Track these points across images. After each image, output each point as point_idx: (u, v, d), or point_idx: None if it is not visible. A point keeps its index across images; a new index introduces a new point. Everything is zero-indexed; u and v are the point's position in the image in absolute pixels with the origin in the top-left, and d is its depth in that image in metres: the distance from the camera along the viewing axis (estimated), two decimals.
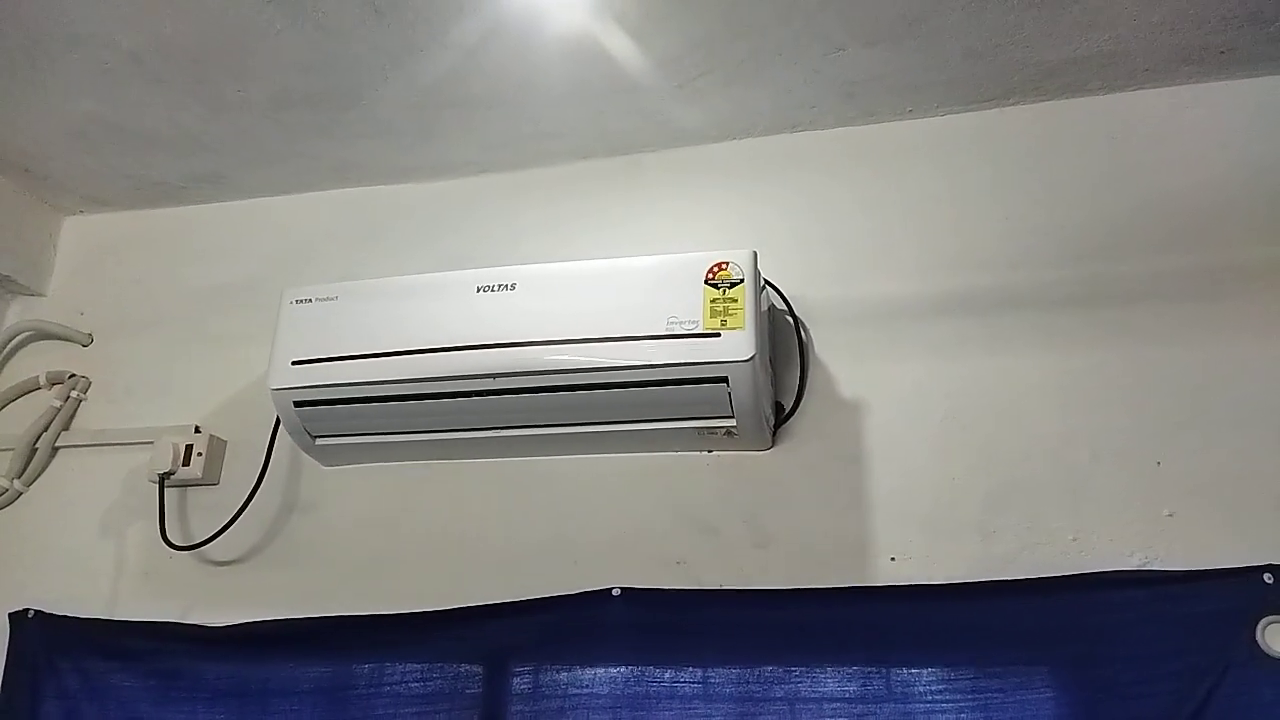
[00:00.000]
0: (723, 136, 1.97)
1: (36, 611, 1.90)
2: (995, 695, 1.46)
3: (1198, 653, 1.40)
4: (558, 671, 1.63)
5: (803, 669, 1.54)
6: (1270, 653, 1.39)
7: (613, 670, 1.60)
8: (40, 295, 2.25)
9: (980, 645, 1.50)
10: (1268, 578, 1.43)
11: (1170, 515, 1.53)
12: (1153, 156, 1.77)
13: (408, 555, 1.81)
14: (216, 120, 1.93)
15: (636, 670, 1.59)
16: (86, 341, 2.18)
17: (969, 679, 1.48)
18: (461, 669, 1.68)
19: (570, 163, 2.06)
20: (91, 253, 2.29)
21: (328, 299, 1.74)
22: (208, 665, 1.78)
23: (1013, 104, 1.86)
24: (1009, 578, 1.54)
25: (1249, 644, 1.39)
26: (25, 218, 2.23)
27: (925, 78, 1.79)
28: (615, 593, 1.65)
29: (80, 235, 2.31)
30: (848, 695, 1.51)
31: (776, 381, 1.75)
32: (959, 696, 1.47)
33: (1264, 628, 1.40)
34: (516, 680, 1.65)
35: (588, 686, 1.60)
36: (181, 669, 1.79)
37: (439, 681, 1.68)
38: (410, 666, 1.70)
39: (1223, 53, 1.71)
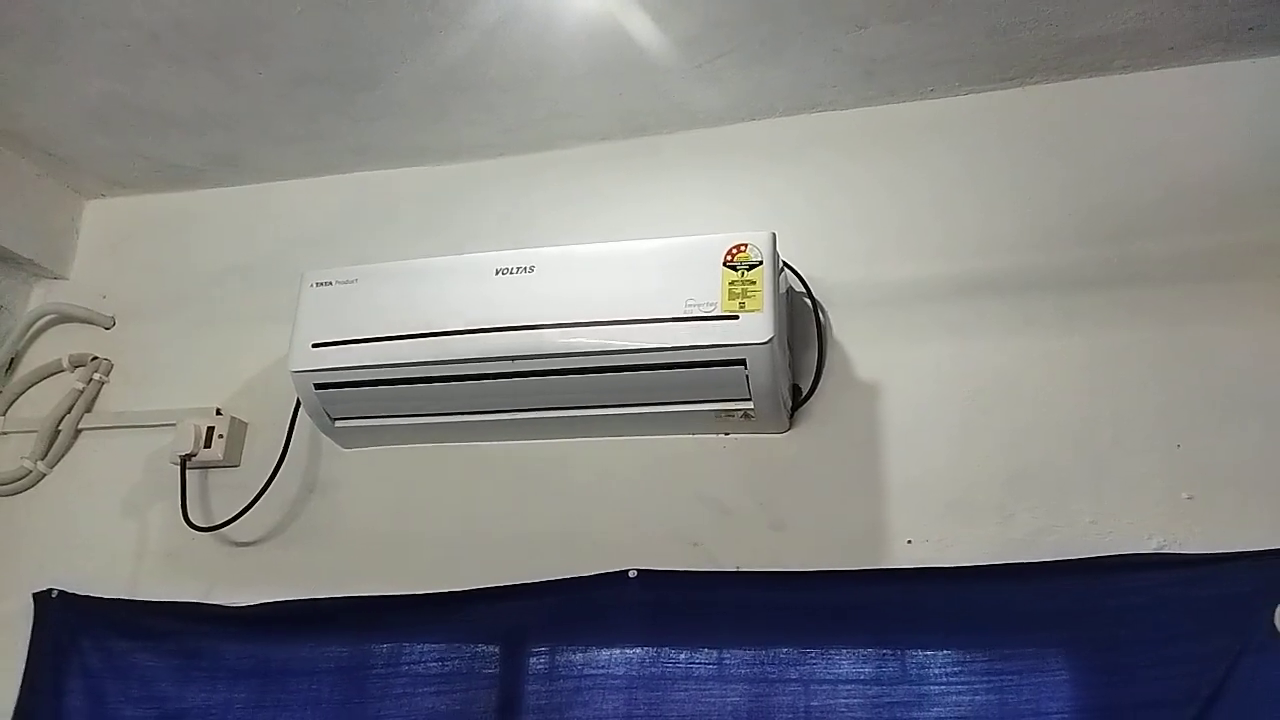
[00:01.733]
0: (742, 117, 1.96)
1: (60, 592, 1.92)
2: (1011, 677, 1.45)
3: (1215, 636, 1.39)
4: (574, 652, 1.64)
5: (818, 651, 1.54)
6: None
7: (629, 651, 1.61)
8: (63, 278, 2.27)
9: (996, 628, 1.50)
10: None
11: (1190, 498, 1.52)
12: (1178, 136, 1.74)
13: (426, 536, 1.82)
14: (235, 100, 1.94)
15: (652, 651, 1.60)
16: (108, 324, 2.20)
17: (984, 661, 1.47)
18: (479, 649, 1.69)
19: (589, 144, 2.05)
20: (113, 236, 2.30)
21: (347, 282, 1.75)
22: (228, 645, 1.80)
23: (1036, 83, 1.84)
24: (1026, 560, 1.53)
25: (1267, 627, 1.38)
26: (48, 202, 2.25)
27: (947, 56, 1.77)
28: (631, 574, 1.65)
29: (102, 219, 2.33)
30: (863, 677, 1.51)
31: (794, 364, 1.74)
32: (974, 678, 1.47)
33: None
34: (533, 660, 1.65)
35: (604, 667, 1.61)
36: (203, 648, 1.81)
37: (456, 661, 1.69)
38: (428, 646, 1.71)
39: (1251, 29, 1.68)
